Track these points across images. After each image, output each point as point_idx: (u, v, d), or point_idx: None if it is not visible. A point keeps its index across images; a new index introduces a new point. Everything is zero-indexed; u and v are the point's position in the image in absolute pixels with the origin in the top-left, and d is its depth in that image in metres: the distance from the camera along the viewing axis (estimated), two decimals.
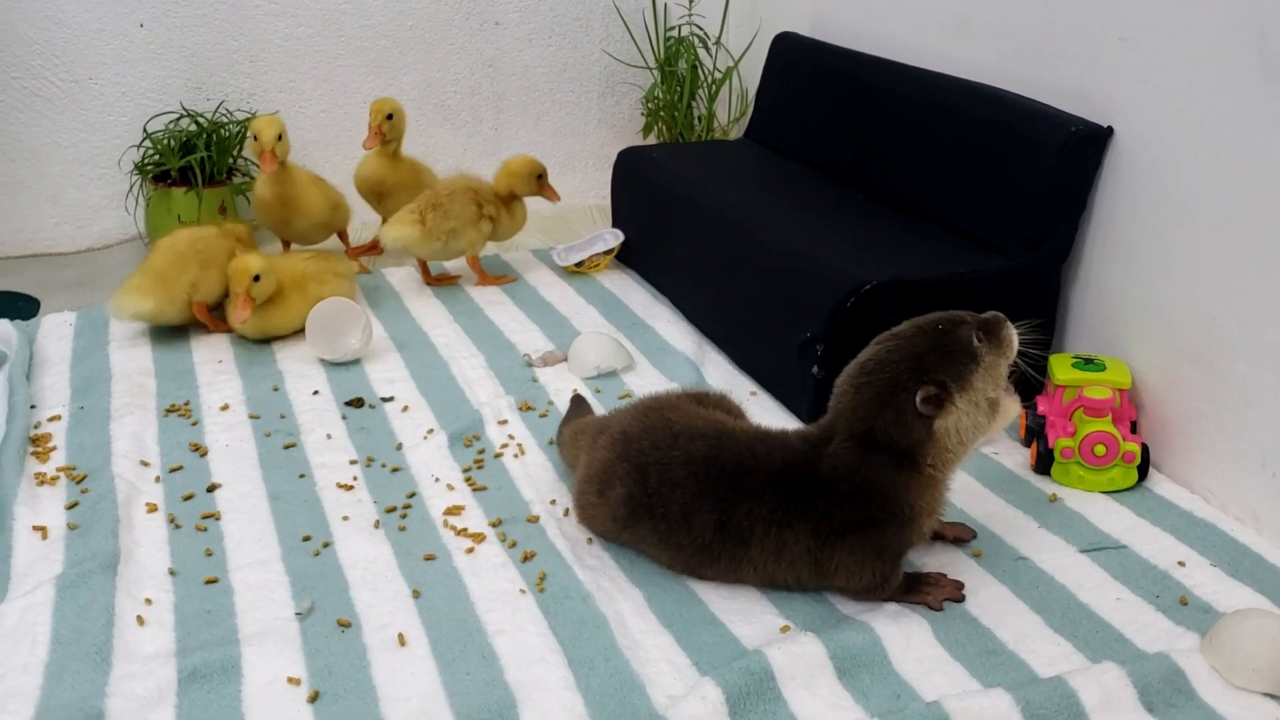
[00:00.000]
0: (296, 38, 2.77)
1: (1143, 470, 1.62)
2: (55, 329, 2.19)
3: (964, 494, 1.60)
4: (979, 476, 1.65)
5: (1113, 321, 1.77)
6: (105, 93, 2.66)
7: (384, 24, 2.82)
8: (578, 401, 1.79)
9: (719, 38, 2.94)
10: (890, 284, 1.74)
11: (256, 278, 2.01)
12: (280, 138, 2.30)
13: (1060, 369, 1.68)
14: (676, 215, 2.31)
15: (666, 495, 1.37)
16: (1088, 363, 1.68)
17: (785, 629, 1.32)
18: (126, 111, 2.68)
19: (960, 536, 1.49)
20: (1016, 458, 1.71)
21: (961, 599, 1.36)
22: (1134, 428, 1.66)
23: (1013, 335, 1.33)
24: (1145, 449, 1.62)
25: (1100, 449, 1.60)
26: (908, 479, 1.30)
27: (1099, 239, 1.78)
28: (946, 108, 2.01)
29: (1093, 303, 1.81)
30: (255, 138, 2.29)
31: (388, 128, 2.44)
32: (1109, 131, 1.74)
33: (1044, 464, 1.65)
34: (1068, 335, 1.87)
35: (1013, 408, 1.34)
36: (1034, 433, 1.69)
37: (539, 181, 2.44)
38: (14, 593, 1.38)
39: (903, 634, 1.29)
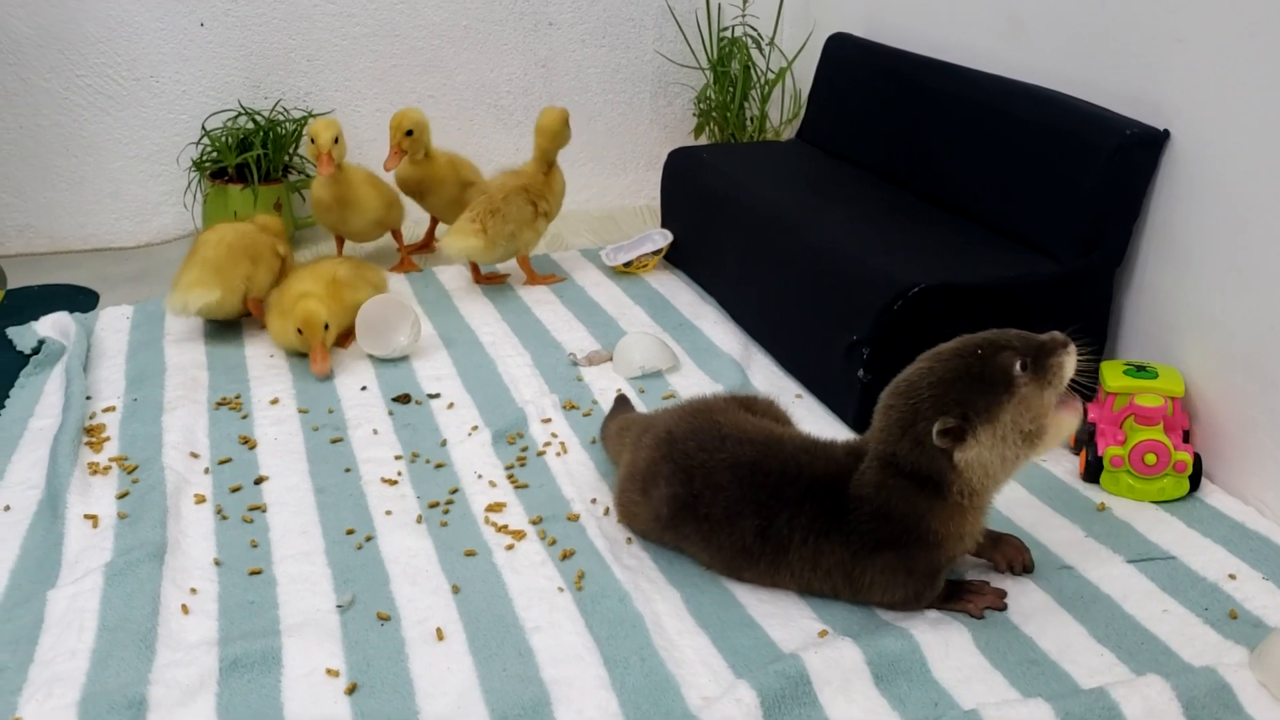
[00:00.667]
0: (353, 37, 2.80)
1: (1194, 480, 1.59)
2: (113, 322, 2.23)
3: (1010, 500, 1.58)
4: (1025, 483, 1.63)
5: (1166, 328, 1.73)
6: (166, 90, 2.71)
7: (439, 24, 2.84)
8: (622, 401, 1.79)
9: (772, 38, 2.93)
10: (938, 288, 1.72)
11: (326, 326, 1.99)
12: (337, 140, 2.31)
13: (1111, 376, 1.65)
14: (725, 216, 2.31)
15: (711, 498, 1.37)
16: (1140, 370, 1.65)
17: (823, 634, 1.31)
18: (186, 109, 2.73)
19: (1012, 564, 1.41)
20: (1065, 465, 1.69)
21: (1003, 607, 1.34)
22: (1186, 437, 1.63)
23: (1065, 364, 1.24)
24: (1198, 459, 1.59)
25: (1151, 458, 1.57)
26: (932, 504, 1.28)
27: (1153, 244, 1.75)
28: (999, 109, 1.99)
29: (1146, 309, 1.78)
30: (312, 140, 2.31)
31: (408, 144, 2.43)
32: (1165, 135, 1.71)
33: (1093, 472, 1.63)
34: (1119, 341, 1.84)
35: (1065, 425, 1.26)
36: (1083, 440, 1.67)
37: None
38: (64, 579, 1.41)
39: (942, 641, 1.28)
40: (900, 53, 2.37)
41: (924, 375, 1.27)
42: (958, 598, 1.34)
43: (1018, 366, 1.23)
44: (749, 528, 1.35)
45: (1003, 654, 1.28)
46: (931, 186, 2.15)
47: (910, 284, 1.72)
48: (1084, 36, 1.88)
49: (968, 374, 1.24)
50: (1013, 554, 1.41)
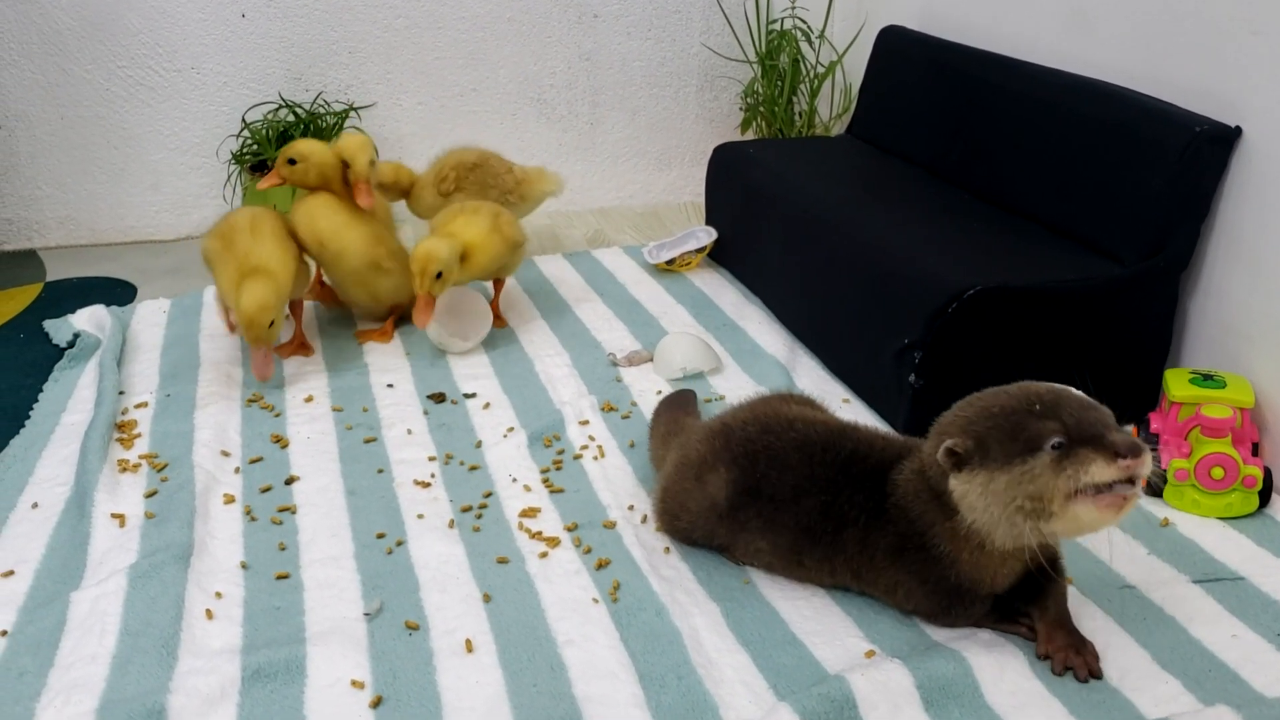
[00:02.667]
0: (395, 29, 2.76)
1: (1264, 496, 1.51)
2: (150, 315, 2.21)
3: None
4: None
5: (1235, 335, 1.65)
6: (206, 82, 2.69)
7: (482, 16, 2.80)
8: (677, 398, 1.73)
9: (823, 31, 2.86)
10: (995, 290, 1.64)
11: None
12: (372, 163, 2.01)
13: (1176, 385, 1.57)
14: (772, 213, 2.24)
15: (777, 478, 1.33)
16: (1206, 379, 1.57)
17: (870, 654, 1.25)
18: (226, 101, 2.71)
19: (1072, 666, 1.22)
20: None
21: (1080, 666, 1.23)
22: (1256, 450, 1.55)
23: (1095, 466, 1.10)
24: (1268, 473, 1.51)
25: (1218, 472, 1.49)
26: (943, 520, 1.22)
27: (1222, 246, 1.67)
28: (1059, 105, 1.91)
29: (1213, 314, 1.69)
30: (347, 165, 2.00)
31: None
32: (1236, 132, 1.63)
33: (1156, 486, 1.55)
34: (1185, 348, 1.75)
35: (1083, 521, 1.13)
36: None
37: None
38: (88, 581, 1.37)
39: (996, 664, 1.21)
40: (956, 46, 2.29)
41: (983, 398, 1.21)
42: (1013, 620, 1.27)
43: (1051, 442, 1.12)
44: (814, 505, 1.31)
45: (1061, 679, 1.21)
46: (987, 185, 2.08)
47: (965, 286, 1.65)
48: (1151, 28, 1.80)
49: (1008, 418, 1.15)
50: (1072, 655, 1.22)
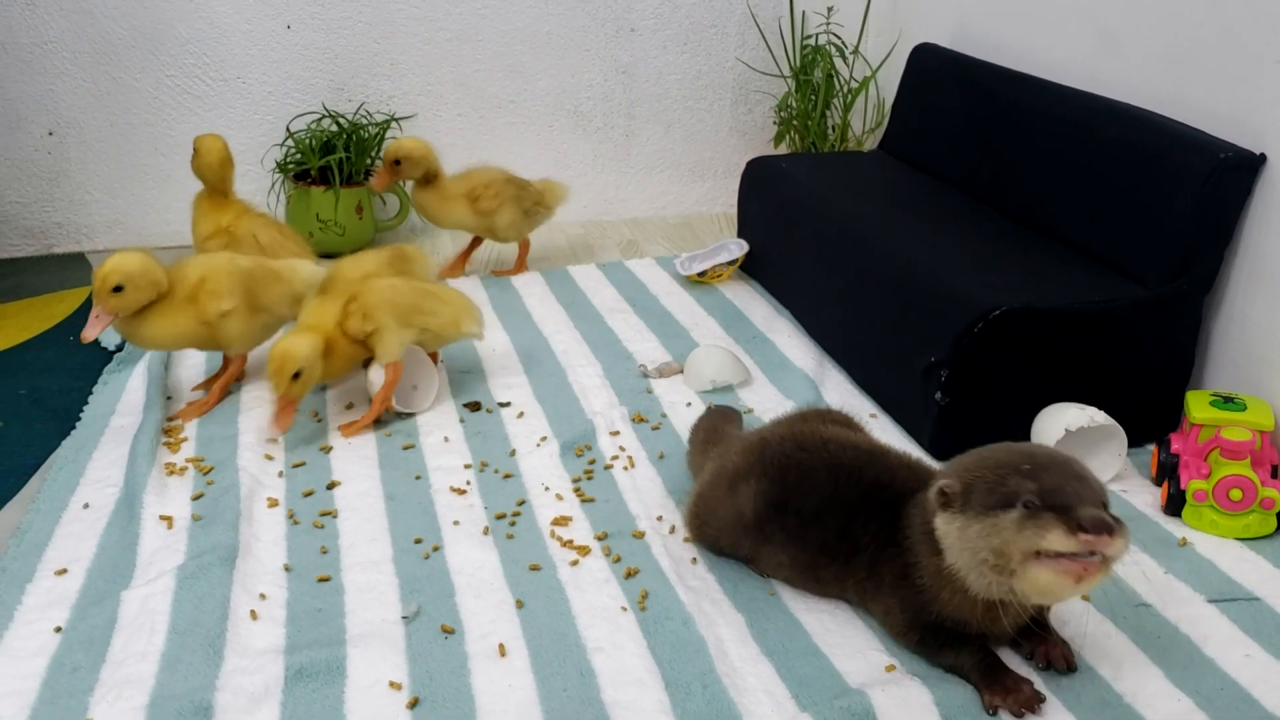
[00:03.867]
0: (436, 42, 2.82)
1: None
2: None
3: None
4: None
5: (1256, 359, 1.67)
6: (252, 92, 2.75)
7: (521, 29, 2.85)
8: (718, 413, 1.77)
9: (857, 47, 2.89)
10: (1021, 311, 1.68)
11: (297, 375, 1.72)
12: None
13: (1197, 406, 1.60)
14: (803, 227, 2.28)
15: (805, 493, 1.38)
16: (1227, 401, 1.60)
17: (890, 668, 1.28)
18: (271, 110, 2.77)
19: (1054, 663, 1.28)
20: (1146, 497, 1.64)
21: (1034, 711, 1.21)
22: (1275, 472, 1.57)
23: (1050, 535, 1.12)
24: None
25: (1236, 493, 1.52)
26: (931, 555, 1.25)
27: (1245, 271, 1.70)
28: (1088, 127, 1.93)
29: (1235, 338, 1.72)
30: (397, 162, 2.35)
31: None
32: (1261, 159, 1.65)
33: (1175, 505, 1.58)
34: (1207, 371, 1.78)
35: (1041, 585, 1.14)
36: (1166, 471, 1.62)
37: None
38: (137, 580, 1.43)
39: None
40: (987, 65, 2.32)
41: (993, 449, 1.24)
42: (989, 682, 1.22)
43: (1023, 500, 1.14)
44: (833, 525, 1.35)
45: (1076, 695, 1.24)
46: (1016, 204, 2.11)
47: (992, 306, 1.68)
48: (1179, 53, 1.83)
49: (996, 471, 1.18)
50: (1054, 653, 1.28)
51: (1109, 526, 1.11)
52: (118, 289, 1.74)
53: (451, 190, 2.42)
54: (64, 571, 1.46)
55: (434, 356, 2.02)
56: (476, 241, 2.57)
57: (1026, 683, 1.22)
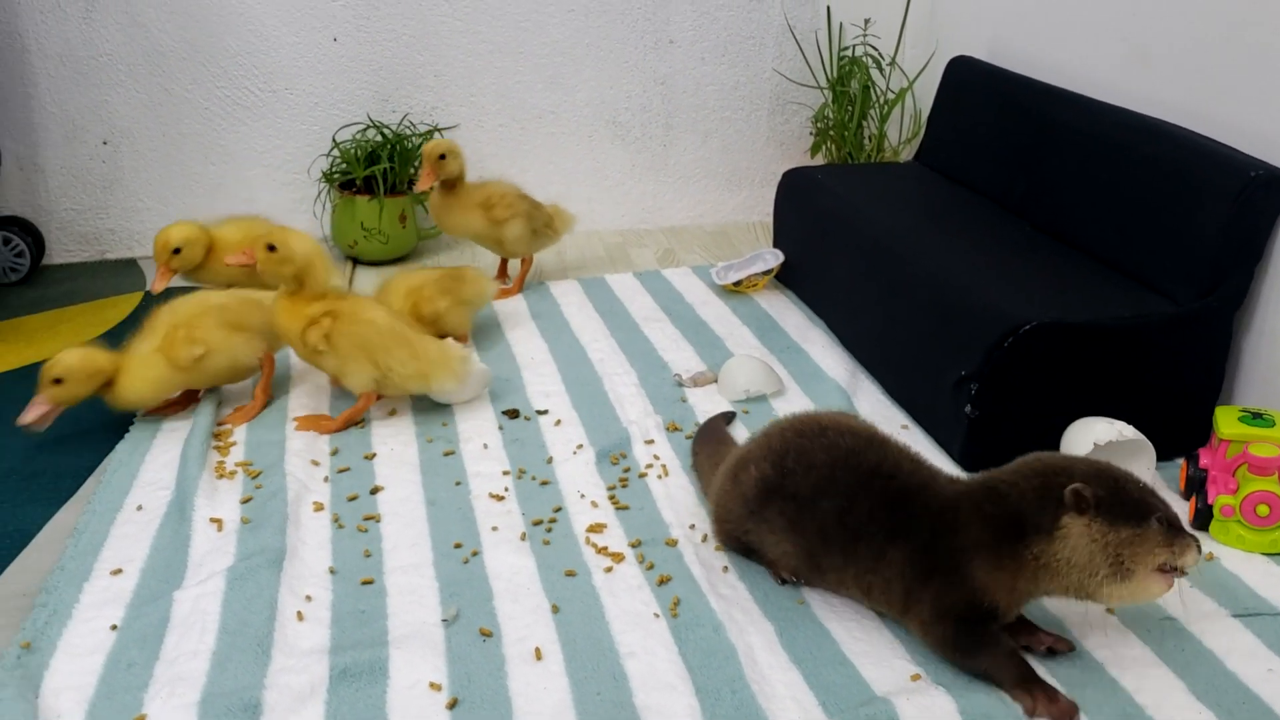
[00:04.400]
0: (478, 54, 2.87)
1: None
2: None
3: None
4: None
5: None
6: (299, 103, 2.82)
7: (561, 42, 2.90)
8: (717, 422, 1.81)
9: (894, 58, 2.92)
10: (1051, 326, 1.70)
11: (177, 250, 2.02)
12: (443, 157, 2.37)
13: (1226, 422, 1.61)
14: (838, 238, 2.31)
15: (800, 477, 1.42)
16: (1256, 417, 1.62)
17: (916, 677, 1.31)
18: (318, 121, 2.84)
19: (1055, 648, 1.36)
20: (1174, 510, 1.65)
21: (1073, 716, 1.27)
22: None
23: (1190, 553, 1.26)
24: None
25: (1264, 509, 1.54)
26: (1004, 542, 1.28)
27: (1275, 288, 1.71)
28: (1120, 143, 1.95)
29: (1265, 354, 1.73)
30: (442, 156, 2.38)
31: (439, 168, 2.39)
32: None
33: (1202, 520, 1.60)
34: (1236, 387, 1.79)
35: (1150, 589, 1.27)
36: (1194, 486, 1.64)
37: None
38: (189, 580, 1.49)
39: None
40: (1022, 79, 2.34)
41: (1094, 462, 1.30)
42: (1025, 688, 1.27)
43: (1156, 518, 1.26)
44: (831, 508, 1.38)
45: (1099, 706, 1.27)
46: (1048, 218, 2.13)
47: (1022, 321, 1.71)
48: (1210, 71, 1.84)
49: (1125, 485, 1.27)
50: (1054, 640, 1.36)
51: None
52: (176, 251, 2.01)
53: (468, 198, 2.44)
54: (119, 571, 1.52)
55: (463, 338, 2.10)
56: (504, 261, 2.62)
57: (1064, 696, 1.26)
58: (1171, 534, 1.26)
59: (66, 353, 1.82)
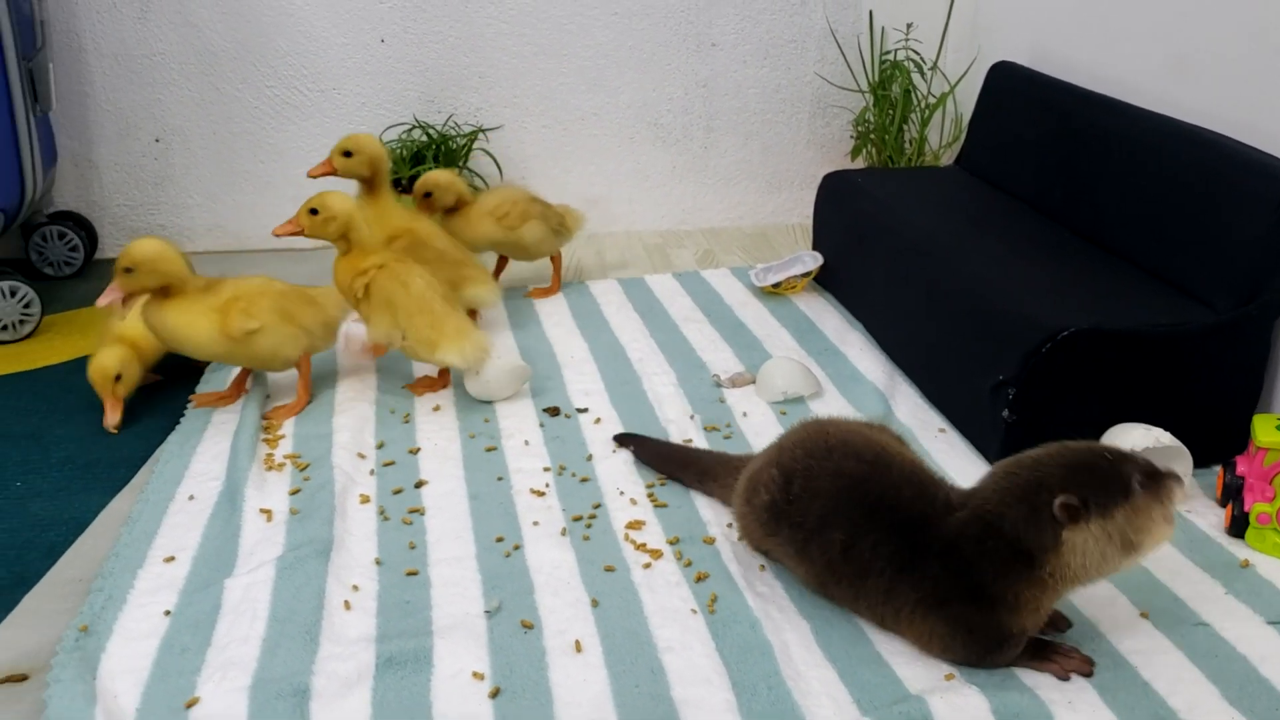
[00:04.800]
0: (523, 56, 2.91)
1: None
2: None
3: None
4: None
5: None
6: (347, 103, 2.87)
7: (605, 44, 2.93)
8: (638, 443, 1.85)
9: (935, 63, 2.93)
10: (1089, 332, 1.71)
11: (118, 378, 1.95)
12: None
13: (1263, 430, 1.62)
14: (877, 241, 2.33)
15: (806, 505, 1.42)
16: None
17: (950, 677, 1.33)
18: (365, 121, 2.89)
19: (1057, 624, 1.42)
20: (1210, 518, 1.67)
21: (1089, 673, 1.33)
22: None
23: (1175, 491, 1.29)
24: None
25: None
26: (1019, 572, 1.29)
27: None
28: (1161, 150, 1.96)
29: None
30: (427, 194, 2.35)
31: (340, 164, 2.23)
32: None
33: (1239, 527, 1.61)
34: (1275, 395, 1.80)
35: (1161, 539, 1.30)
36: (1231, 493, 1.64)
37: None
38: (240, 569, 1.53)
39: (1067, 700, 1.29)
40: (1063, 84, 2.35)
41: (1054, 456, 1.30)
42: (1043, 657, 1.34)
43: (1137, 480, 1.27)
44: (835, 542, 1.39)
45: (1130, 709, 1.28)
46: (1088, 224, 2.13)
47: (1060, 327, 1.72)
48: (1251, 78, 1.84)
49: (1095, 469, 1.28)
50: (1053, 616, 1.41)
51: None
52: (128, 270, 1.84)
53: (477, 211, 2.40)
54: (172, 559, 1.57)
55: (473, 314, 2.18)
56: (503, 261, 2.58)
57: (1074, 650, 1.34)
58: (1153, 486, 1.27)
59: (138, 243, 1.85)
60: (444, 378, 2.10)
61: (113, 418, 1.94)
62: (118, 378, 1.94)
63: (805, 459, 1.45)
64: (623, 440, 1.87)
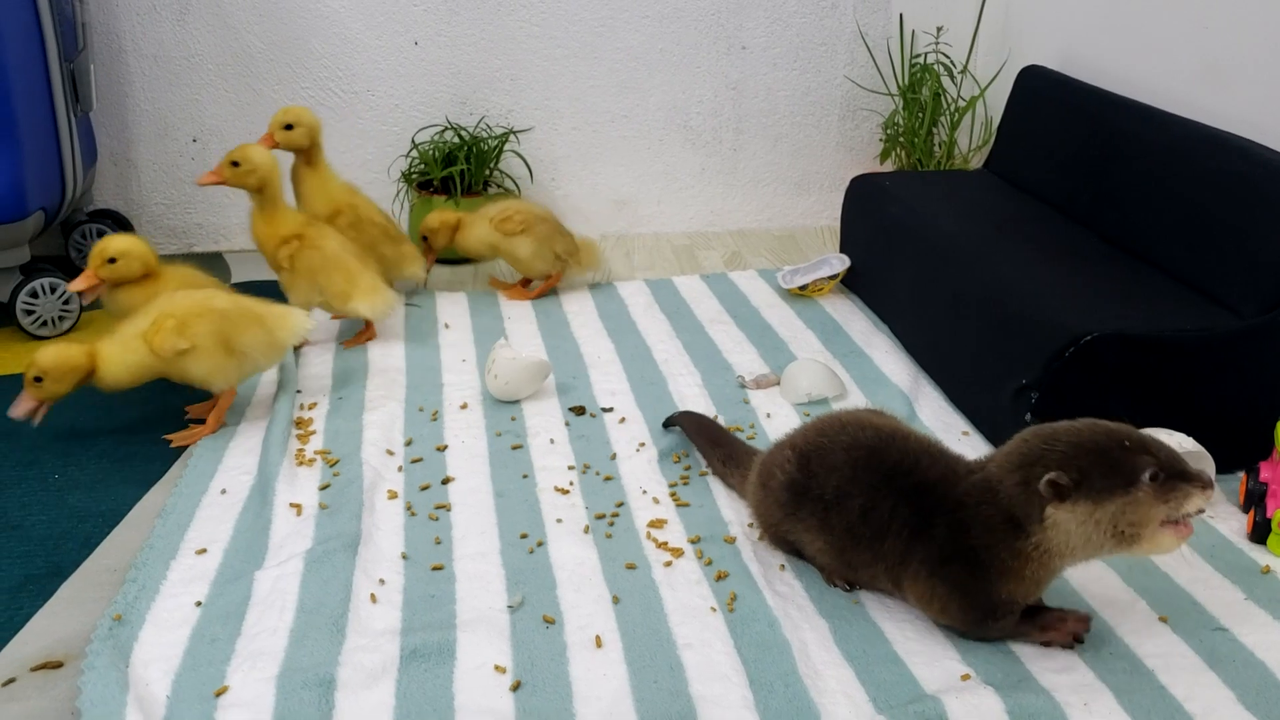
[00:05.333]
0: (554, 59, 2.94)
1: None
2: (325, 320, 2.43)
3: (1171, 556, 1.57)
4: (1189, 539, 1.61)
5: None
6: (380, 104, 2.91)
7: (635, 47, 2.95)
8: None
9: (965, 66, 2.93)
10: (1112, 337, 1.72)
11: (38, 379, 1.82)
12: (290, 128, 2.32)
13: None
14: (904, 244, 2.34)
15: (824, 478, 1.45)
16: None
17: (966, 677, 1.34)
18: (397, 123, 2.92)
19: (1077, 638, 1.41)
20: (1232, 524, 1.67)
21: (1086, 629, 1.38)
22: None
23: (1191, 497, 1.26)
24: None
25: None
26: (1006, 540, 1.32)
27: None
28: (1189, 156, 1.96)
29: None
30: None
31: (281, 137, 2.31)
32: None
33: (1260, 533, 1.61)
34: None
35: (1162, 544, 1.29)
36: (1253, 499, 1.64)
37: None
38: (269, 561, 1.57)
39: (1082, 701, 1.30)
40: (1093, 89, 2.35)
41: (1069, 432, 1.31)
42: (1050, 627, 1.38)
43: (1148, 475, 1.26)
44: (855, 506, 1.42)
45: (1146, 712, 1.29)
46: (1115, 229, 2.13)
47: (1083, 332, 1.72)
48: None
49: (1104, 453, 1.28)
50: (1074, 622, 1.41)
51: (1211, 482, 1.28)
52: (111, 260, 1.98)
53: (479, 214, 2.49)
54: (204, 551, 1.60)
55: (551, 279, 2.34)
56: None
57: (1070, 614, 1.39)
58: (1166, 488, 1.25)
59: (42, 351, 1.82)
60: (369, 329, 2.31)
61: (18, 409, 1.84)
62: (38, 379, 1.82)
63: (819, 437, 1.49)
64: (671, 421, 1.91)
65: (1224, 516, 1.68)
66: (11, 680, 1.36)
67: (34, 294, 2.38)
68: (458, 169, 2.75)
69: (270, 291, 2.68)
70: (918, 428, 1.91)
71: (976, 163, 2.93)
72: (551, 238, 2.49)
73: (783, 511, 1.52)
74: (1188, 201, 1.94)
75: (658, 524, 1.66)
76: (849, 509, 1.43)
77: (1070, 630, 1.38)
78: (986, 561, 1.33)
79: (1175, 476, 1.27)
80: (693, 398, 2.05)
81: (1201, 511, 1.28)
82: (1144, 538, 1.28)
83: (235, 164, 2.14)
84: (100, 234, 2.77)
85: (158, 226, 2.94)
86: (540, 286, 2.58)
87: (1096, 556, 1.32)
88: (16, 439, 1.94)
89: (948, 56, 2.92)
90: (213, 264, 2.87)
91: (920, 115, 2.91)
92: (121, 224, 2.84)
